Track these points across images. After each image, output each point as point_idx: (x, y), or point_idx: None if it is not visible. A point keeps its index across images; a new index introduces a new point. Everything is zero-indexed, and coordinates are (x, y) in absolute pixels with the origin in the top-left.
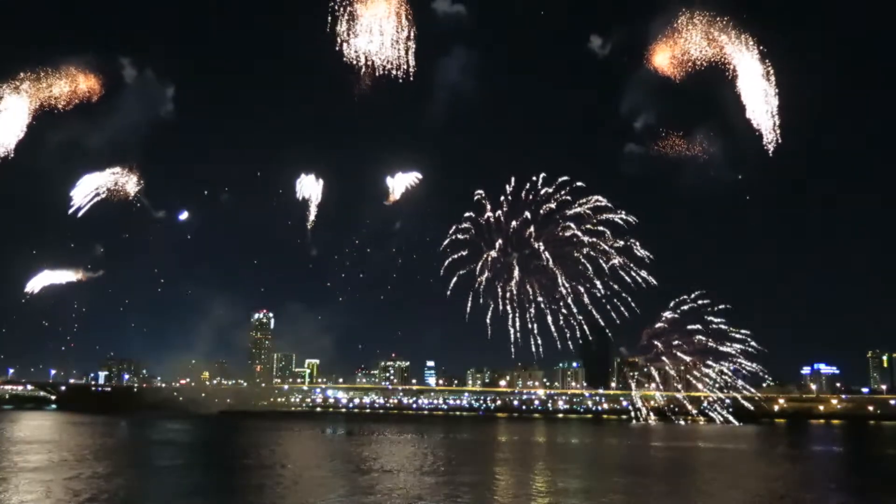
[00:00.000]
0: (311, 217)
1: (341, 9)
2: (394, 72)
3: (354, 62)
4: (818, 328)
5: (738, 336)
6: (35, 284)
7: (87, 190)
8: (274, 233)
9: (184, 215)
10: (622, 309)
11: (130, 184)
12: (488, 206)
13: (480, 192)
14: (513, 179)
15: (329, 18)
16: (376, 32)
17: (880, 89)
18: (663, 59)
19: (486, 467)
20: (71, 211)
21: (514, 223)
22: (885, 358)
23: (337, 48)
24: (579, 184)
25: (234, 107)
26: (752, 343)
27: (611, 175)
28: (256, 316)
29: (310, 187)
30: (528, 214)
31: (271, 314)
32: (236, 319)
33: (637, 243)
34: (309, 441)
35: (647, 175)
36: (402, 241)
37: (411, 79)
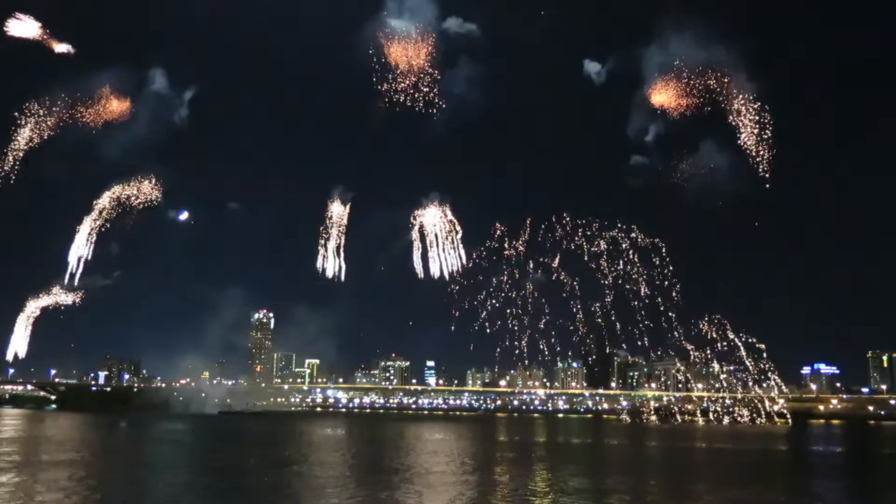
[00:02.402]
0: (335, 241)
1: (373, 45)
2: (418, 105)
3: (382, 94)
4: (818, 328)
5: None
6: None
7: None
8: (276, 235)
9: (184, 215)
10: (626, 318)
11: (143, 190)
12: (505, 235)
13: (500, 226)
14: (528, 221)
15: (360, 46)
16: (408, 75)
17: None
18: (662, 98)
19: (489, 466)
20: (66, 280)
21: (533, 260)
22: (885, 358)
23: (376, 85)
24: (606, 223)
25: (240, 112)
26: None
27: (613, 186)
28: (256, 316)
29: (338, 212)
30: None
31: (271, 314)
32: (237, 319)
33: (656, 261)
34: (311, 440)
35: (650, 188)
36: (409, 246)
37: (436, 114)
